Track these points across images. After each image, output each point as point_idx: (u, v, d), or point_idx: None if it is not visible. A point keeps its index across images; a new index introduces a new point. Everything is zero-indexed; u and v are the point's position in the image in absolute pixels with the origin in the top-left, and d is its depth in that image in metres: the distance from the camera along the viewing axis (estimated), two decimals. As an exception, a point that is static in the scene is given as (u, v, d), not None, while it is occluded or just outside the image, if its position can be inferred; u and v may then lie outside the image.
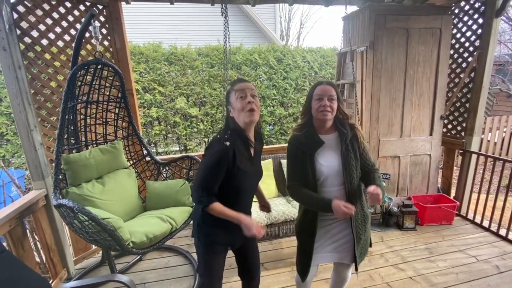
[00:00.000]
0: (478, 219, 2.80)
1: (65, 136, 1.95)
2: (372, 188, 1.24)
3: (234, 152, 1.18)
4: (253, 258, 1.48)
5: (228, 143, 1.17)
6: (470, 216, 2.89)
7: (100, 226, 1.49)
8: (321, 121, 1.35)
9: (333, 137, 1.37)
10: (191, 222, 2.05)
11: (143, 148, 2.46)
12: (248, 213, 1.41)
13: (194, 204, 1.25)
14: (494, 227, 2.66)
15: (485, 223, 2.74)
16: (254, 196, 1.50)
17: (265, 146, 3.56)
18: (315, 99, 1.33)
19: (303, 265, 1.44)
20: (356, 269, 1.45)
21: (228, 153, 1.16)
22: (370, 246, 1.54)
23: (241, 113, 1.21)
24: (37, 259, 2.05)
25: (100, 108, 2.28)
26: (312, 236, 1.38)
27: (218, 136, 1.23)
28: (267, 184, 2.77)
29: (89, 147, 2.22)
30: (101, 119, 2.31)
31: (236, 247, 1.42)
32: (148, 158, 2.52)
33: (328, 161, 1.33)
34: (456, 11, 2.89)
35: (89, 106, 2.21)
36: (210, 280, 1.33)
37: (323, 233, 1.40)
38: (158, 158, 2.53)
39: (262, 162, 2.69)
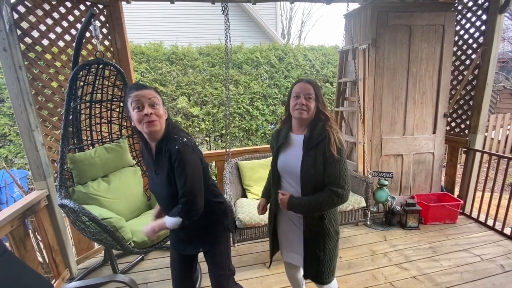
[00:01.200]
0: (482, 218, 2.78)
1: (69, 136, 1.96)
2: (281, 191, 1.31)
3: (142, 151, 1.25)
4: (210, 271, 1.40)
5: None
6: (474, 214, 2.86)
7: (100, 226, 1.49)
8: (296, 119, 1.33)
9: (302, 138, 1.31)
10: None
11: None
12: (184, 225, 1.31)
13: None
14: (498, 226, 2.63)
15: (490, 222, 2.71)
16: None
17: (267, 145, 3.55)
18: (292, 96, 1.30)
19: (270, 254, 1.57)
20: (304, 276, 1.40)
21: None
22: (326, 281, 1.35)
23: (139, 125, 1.14)
24: (40, 259, 2.06)
25: (104, 107, 2.29)
26: (270, 228, 1.50)
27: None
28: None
29: (95, 146, 2.23)
30: (106, 118, 2.32)
31: (186, 251, 1.41)
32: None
33: (286, 160, 1.33)
34: (459, 7, 2.86)
35: (93, 105, 2.22)
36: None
37: (280, 227, 1.48)
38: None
39: (263, 160, 2.72)
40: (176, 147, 1.13)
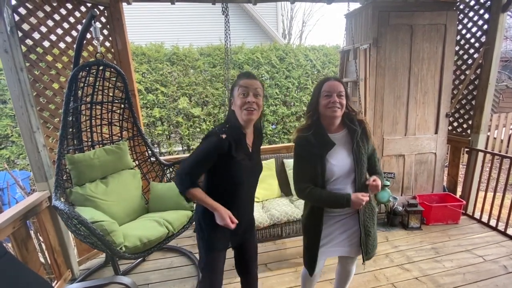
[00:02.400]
0: (485, 218, 2.76)
1: (68, 137, 1.96)
2: (371, 179, 1.32)
3: (229, 144, 1.20)
4: (250, 253, 1.48)
5: (224, 136, 1.18)
6: (477, 215, 2.84)
7: (89, 230, 1.48)
8: (330, 118, 1.32)
9: (342, 135, 1.36)
10: (192, 226, 2.04)
11: (148, 149, 2.46)
12: (248, 208, 1.42)
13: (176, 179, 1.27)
14: (501, 226, 2.61)
15: (492, 222, 2.69)
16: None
17: (267, 146, 3.55)
18: (323, 95, 1.30)
19: (310, 260, 1.44)
20: (364, 260, 1.45)
21: (223, 145, 1.18)
22: (374, 254, 1.53)
23: (240, 110, 1.21)
24: (42, 260, 2.06)
25: (105, 109, 2.29)
26: (319, 231, 1.39)
27: (217, 128, 1.24)
28: (270, 184, 2.75)
29: (95, 147, 2.23)
30: (107, 120, 2.32)
31: (235, 245, 1.43)
32: (153, 159, 2.52)
33: (339, 161, 1.32)
34: (461, 6, 2.84)
35: (94, 107, 2.22)
36: (210, 274, 1.35)
37: (329, 227, 1.41)
38: (162, 158, 2.53)
39: (264, 162, 2.71)
40: (263, 128, 1.42)
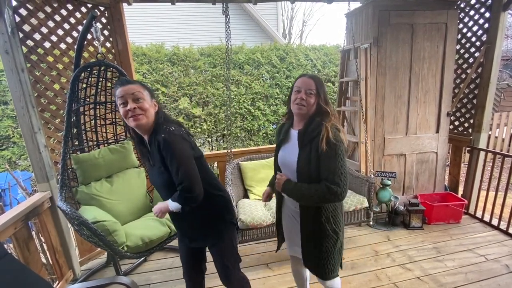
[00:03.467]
0: (487, 218, 2.75)
1: (72, 137, 1.97)
2: (279, 174, 1.35)
3: (138, 146, 1.29)
4: (215, 262, 1.43)
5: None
6: (479, 214, 2.83)
7: (90, 230, 1.49)
8: (295, 114, 1.33)
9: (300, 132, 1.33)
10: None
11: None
12: (176, 214, 1.32)
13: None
14: (503, 226, 2.60)
15: (494, 222, 2.68)
16: None
17: (268, 146, 3.54)
18: (294, 90, 1.30)
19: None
20: (305, 264, 1.43)
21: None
22: (326, 278, 1.36)
23: (126, 120, 1.18)
24: (44, 261, 2.07)
25: (108, 109, 2.30)
26: (278, 217, 1.53)
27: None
28: (271, 184, 2.75)
29: (100, 147, 2.25)
30: (110, 120, 2.34)
31: (192, 245, 1.44)
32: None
33: (285, 154, 1.36)
34: (462, 5, 2.83)
35: (97, 107, 2.24)
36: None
37: (284, 218, 1.50)
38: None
39: (265, 160, 2.71)
40: (162, 135, 1.14)
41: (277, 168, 1.44)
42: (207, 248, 1.46)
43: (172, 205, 1.23)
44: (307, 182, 1.24)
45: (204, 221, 1.35)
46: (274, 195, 1.59)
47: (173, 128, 1.19)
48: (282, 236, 1.57)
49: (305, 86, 1.25)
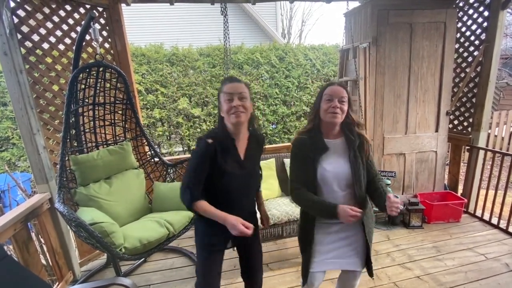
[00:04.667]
0: (486, 216, 2.75)
1: (70, 138, 1.97)
2: (392, 196, 1.19)
3: (215, 150, 1.19)
4: (253, 260, 1.45)
5: (210, 141, 1.18)
6: (478, 213, 2.83)
7: (87, 232, 1.48)
8: (329, 124, 1.30)
9: (340, 142, 1.33)
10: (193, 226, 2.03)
11: (151, 149, 2.47)
12: (245, 214, 1.30)
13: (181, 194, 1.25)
14: (503, 224, 2.60)
15: (494, 220, 2.69)
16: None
17: (268, 146, 3.53)
18: (325, 99, 1.28)
19: (304, 269, 1.42)
20: (371, 275, 1.39)
21: (209, 149, 1.18)
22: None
23: (227, 115, 1.20)
24: (43, 262, 2.06)
25: (107, 110, 2.30)
26: (310, 240, 1.35)
27: (205, 134, 1.25)
28: (270, 184, 2.75)
29: (99, 148, 2.24)
30: (109, 121, 2.34)
31: (231, 246, 1.40)
32: (156, 159, 2.54)
33: (334, 167, 1.29)
34: (461, 4, 2.83)
35: (96, 108, 2.23)
36: (205, 278, 1.33)
37: (324, 237, 1.35)
38: (165, 159, 2.54)
39: (265, 161, 2.71)
40: (261, 133, 1.40)
41: (314, 184, 1.29)
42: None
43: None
44: (363, 188, 1.29)
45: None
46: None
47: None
48: (308, 257, 1.39)
49: (338, 95, 1.26)
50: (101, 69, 2.09)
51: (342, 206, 1.18)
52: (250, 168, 1.32)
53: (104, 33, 2.39)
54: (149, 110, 4.72)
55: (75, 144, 2.10)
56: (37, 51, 2.01)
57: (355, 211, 1.16)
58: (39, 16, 2.00)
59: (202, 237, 1.31)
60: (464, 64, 2.91)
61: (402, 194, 2.96)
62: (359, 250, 1.36)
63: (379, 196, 1.27)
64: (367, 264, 1.38)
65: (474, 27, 2.76)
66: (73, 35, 2.19)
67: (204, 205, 1.18)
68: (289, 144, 3.34)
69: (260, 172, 1.46)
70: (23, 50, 1.90)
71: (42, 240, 2.07)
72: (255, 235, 1.38)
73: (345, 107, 1.27)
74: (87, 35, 1.98)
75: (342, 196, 1.29)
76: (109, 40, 2.43)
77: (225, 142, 1.22)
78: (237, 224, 1.12)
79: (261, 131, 1.38)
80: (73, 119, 2.01)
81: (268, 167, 2.69)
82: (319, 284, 1.43)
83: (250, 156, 1.31)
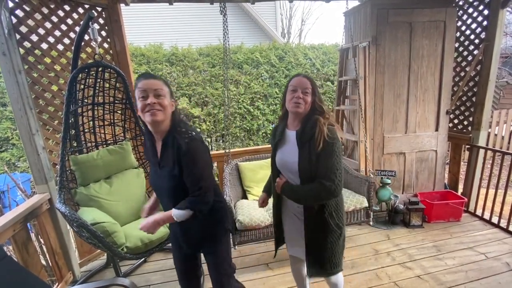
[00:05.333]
0: (487, 215, 2.75)
1: (70, 139, 1.97)
2: (279, 177, 1.36)
3: (145, 145, 1.24)
4: (210, 270, 1.39)
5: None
6: (479, 212, 2.83)
7: (89, 232, 1.48)
8: (292, 113, 1.33)
9: (295, 133, 1.32)
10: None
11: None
12: (183, 227, 1.32)
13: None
14: (503, 223, 2.60)
15: (494, 219, 2.68)
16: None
17: (268, 145, 3.54)
18: (289, 90, 1.30)
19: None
20: (308, 274, 1.39)
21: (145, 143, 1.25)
22: (330, 273, 1.38)
23: (142, 114, 1.14)
24: (43, 263, 2.06)
25: (106, 110, 2.30)
26: (277, 218, 1.52)
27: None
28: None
29: (99, 148, 2.24)
30: (109, 121, 2.34)
31: (187, 252, 1.41)
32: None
33: (284, 155, 1.35)
34: (461, 3, 2.82)
35: (95, 108, 2.23)
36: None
37: (285, 219, 1.49)
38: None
39: (264, 160, 2.70)
40: (186, 141, 1.13)
41: (275, 170, 1.42)
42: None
43: (177, 214, 1.17)
44: (309, 182, 1.25)
45: (203, 228, 1.32)
46: (270, 198, 1.59)
47: (194, 133, 1.18)
48: (280, 238, 1.57)
49: (301, 86, 1.27)
50: (100, 69, 2.09)
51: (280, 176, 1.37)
52: (165, 170, 1.21)
53: (103, 33, 2.39)
54: (148, 110, 4.72)
55: (75, 145, 2.09)
56: (36, 51, 2.01)
57: (279, 178, 1.35)
58: (38, 16, 1.99)
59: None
60: (464, 63, 2.90)
61: (402, 193, 2.96)
62: (299, 240, 1.39)
63: None
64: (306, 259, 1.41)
65: (474, 26, 2.76)
66: (72, 35, 2.18)
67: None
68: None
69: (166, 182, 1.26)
70: (21, 51, 1.90)
71: (41, 240, 2.07)
72: (210, 249, 1.39)
73: (309, 98, 1.27)
74: (86, 35, 1.98)
75: (291, 181, 1.36)
76: (108, 40, 2.43)
77: (147, 138, 1.25)
78: (145, 224, 1.22)
79: (192, 138, 1.16)
80: (72, 119, 2.01)
81: (267, 166, 2.68)
82: (294, 268, 1.69)
83: (165, 157, 1.21)
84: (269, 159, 2.76)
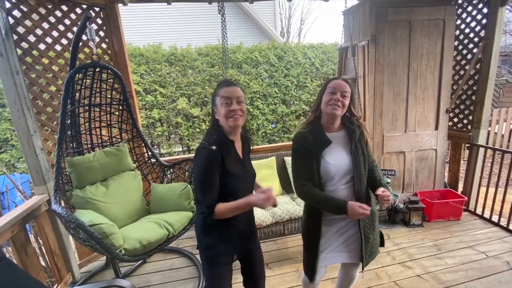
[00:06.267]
0: (487, 214, 2.74)
1: (67, 140, 1.94)
2: (381, 190, 1.26)
3: (222, 155, 1.17)
4: (258, 267, 1.44)
5: (214, 147, 1.17)
6: (479, 211, 2.82)
7: (87, 233, 1.47)
8: (329, 116, 1.31)
9: (341, 135, 1.35)
10: (193, 227, 2.02)
11: (148, 150, 2.46)
12: (248, 216, 1.39)
13: (196, 212, 1.23)
14: (503, 222, 2.59)
15: (495, 218, 2.68)
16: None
17: (267, 145, 3.54)
18: (327, 92, 1.30)
19: (310, 266, 1.41)
20: (363, 268, 1.43)
21: (216, 157, 1.16)
22: (382, 245, 1.53)
23: (225, 119, 1.20)
24: (43, 264, 2.05)
25: (103, 111, 2.28)
26: (318, 236, 1.36)
27: (204, 141, 1.21)
28: (271, 182, 2.74)
29: (95, 150, 2.22)
30: (106, 122, 2.32)
31: (240, 256, 1.40)
32: (153, 160, 2.52)
33: (336, 160, 1.31)
34: (460, 1, 2.81)
35: (92, 109, 2.21)
36: None
37: (329, 232, 1.38)
38: (163, 159, 2.52)
39: (265, 160, 2.70)
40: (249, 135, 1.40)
41: (318, 178, 1.29)
42: None
43: None
44: (361, 178, 1.31)
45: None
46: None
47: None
48: (316, 253, 1.39)
49: (341, 88, 1.28)
50: (97, 69, 2.08)
51: (351, 203, 1.21)
52: (248, 167, 1.34)
53: (101, 33, 2.38)
54: (148, 110, 4.71)
55: (74, 146, 2.08)
56: (34, 52, 2.00)
57: (364, 208, 1.18)
58: (35, 16, 1.98)
59: (208, 250, 1.28)
60: (463, 62, 2.89)
61: (402, 192, 2.95)
62: (355, 244, 1.39)
63: (376, 186, 1.34)
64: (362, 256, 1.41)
65: (473, 24, 2.75)
66: (70, 35, 2.17)
67: (224, 206, 1.15)
68: (289, 143, 3.33)
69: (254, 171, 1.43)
70: (19, 51, 1.89)
71: (40, 241, 2.06)
72: (256, 243, 1.44)
73: (347, 102, 1.29)
74: (84, 36, 1.97)
75: (343, 189, 1.32)
76: (106, 40, 2.42)
77: (226, 145, 1.22)
78: (263, 199, 1.10)
79: (247, 131, 1.39)
80: (69, 120, 2.00)
81: (268, 166, 2.68)
82: (321, 279, 1.47)
83: (246, 156, 1.35)
84: (269, 159, 2.78)
